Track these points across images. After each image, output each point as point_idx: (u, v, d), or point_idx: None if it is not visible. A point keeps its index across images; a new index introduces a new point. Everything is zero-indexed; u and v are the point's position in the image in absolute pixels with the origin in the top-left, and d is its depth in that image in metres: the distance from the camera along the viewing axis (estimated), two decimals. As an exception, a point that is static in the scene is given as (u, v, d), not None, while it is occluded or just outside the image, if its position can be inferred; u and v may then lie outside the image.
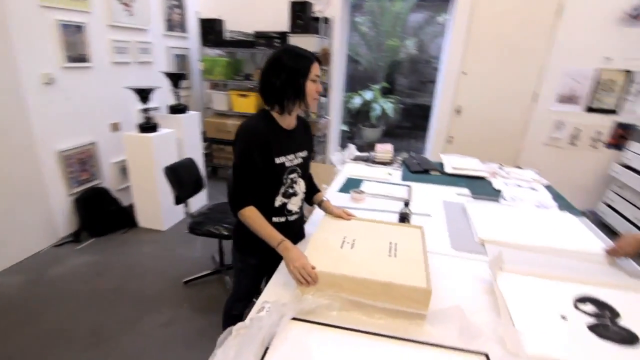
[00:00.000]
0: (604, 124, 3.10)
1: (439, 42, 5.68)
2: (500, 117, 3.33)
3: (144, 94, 2.70)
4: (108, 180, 3.00)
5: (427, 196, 1.86)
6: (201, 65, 3.84)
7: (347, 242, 1.16)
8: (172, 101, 3.13)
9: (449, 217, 1.63)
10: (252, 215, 1.18)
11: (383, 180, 2.08)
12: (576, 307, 1.06)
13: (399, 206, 1.69)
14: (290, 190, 1.28)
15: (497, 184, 2.06)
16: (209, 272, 2.31)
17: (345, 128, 4.82)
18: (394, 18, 5.09)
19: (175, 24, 3.67)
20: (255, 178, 1.19)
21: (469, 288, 1.13)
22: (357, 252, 1.10)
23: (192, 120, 3.19)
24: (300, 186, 1.33)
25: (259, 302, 1.01)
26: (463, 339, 0.90)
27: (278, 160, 1.20)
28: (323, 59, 3.36)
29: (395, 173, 2.23)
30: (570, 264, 1.29)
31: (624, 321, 1.00)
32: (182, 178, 2.09)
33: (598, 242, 1.41)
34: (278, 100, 1.18)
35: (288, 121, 1.26)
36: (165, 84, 3.08)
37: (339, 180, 2.05)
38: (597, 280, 1.18)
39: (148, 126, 2.77)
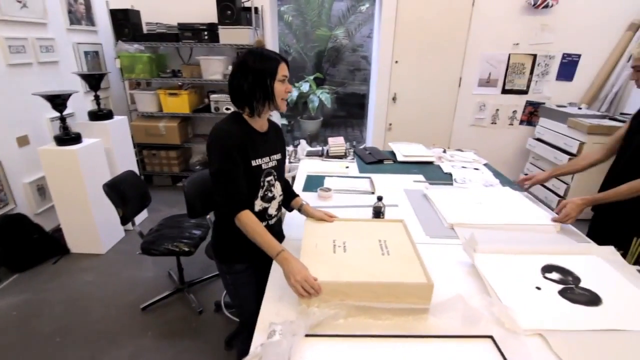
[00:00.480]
0: (518, 103, 3.51)
1: (363, 31, 5.86)
2: (432, 102, 3.57)
3: (58, 101, 2.32)
4: (23, 204, 2.55)
5: (387, 186, 1.92)
6: (118, 63, 3.42)
7: (338, 245, 1.15)
8: (89, 106, 2.75)
9: (414, 205, 1.71)
10: (249, 221, 1.13)
11: (343, 174, 2.10)
12: (544, 276, 1.19)
13: (367, 199, 1.74)
14: (269, 194, 1.26)
15: (446, 167, 2.21)
16: (168, 292, 2.12)
17: (284, 122, 4.75)
18: (319, 7, 5.10)
19: (80, 16, 3.20)
20: (242, 179, 1.15)
21: (452, 272, 1.20)
22: (351, 255, 1.10)
23: (120, 126, 2.85)
24: (277, 189, 1.31)
25: (265, 326, 0.95)
26: (466, 325, 0.95)
27: (254, 163, 1.18)
28: (259, 52, 3.23)
29: (351, 166, 2.26)
30: (528, 237, 1.45)
31: (584, 283, 1.16)
32: (126, 194, 1.86)
33: (544, 213, 1.60)
34: (248, 103, 1.15)
35: (260, 123, 1.24)
36: (78, 85, 2.69)
37: (299, 179, 2.02)
38: (554, 250, 1.33)
39: (68, 137, 2.40)
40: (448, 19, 3.28)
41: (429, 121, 3.63)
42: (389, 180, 2.02)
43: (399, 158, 2.34)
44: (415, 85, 3.51)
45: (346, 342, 0.90)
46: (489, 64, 3.40)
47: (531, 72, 3.38)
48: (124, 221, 1.84)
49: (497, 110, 3.54)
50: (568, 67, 3.35)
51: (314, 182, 1.95)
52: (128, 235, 2.71)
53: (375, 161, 2.32)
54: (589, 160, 1.66)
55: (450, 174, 2.11)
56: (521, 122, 3.57)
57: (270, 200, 1.27)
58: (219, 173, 1.13)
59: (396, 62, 3.45)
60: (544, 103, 3.45)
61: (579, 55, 3.30)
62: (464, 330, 0.94)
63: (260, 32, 3.46)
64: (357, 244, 1.15)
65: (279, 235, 1.38)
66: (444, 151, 2.52)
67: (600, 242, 1.39)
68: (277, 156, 1.30)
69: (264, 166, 1.21)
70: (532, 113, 3.51)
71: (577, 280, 1.17)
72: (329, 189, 1.79)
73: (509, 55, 3.35)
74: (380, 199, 1.48)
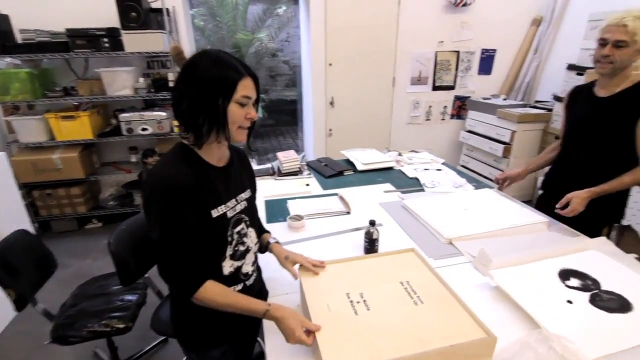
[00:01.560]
0: (447, 99, 3.63)
1: (281, 35, 5.63)
2: (369, 104, 3.49)
3: None
4: None
5: (359, 201, 1.70)
6: (-16, 83, 2.64)
7: (355, 301, 0.88)
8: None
9: (398, 220, 1.52)
10: (214, 293, 0.83)
11: (305, 194, 1.83)
12: (566, 285, 1.09)
13: (345, 222, 1.50)
14: (241, 248, 0.93)
15: (409, 171, 2.09)
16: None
17: None
18: (233, 9, 4.72)
19: None
20: (198, 244, 0.82)
21: (475, 300, 1.01)
22: (378, 313, 0.84)
23: (-4, 166, 2.15)
24: (252, 238, 0.99)
25: None
26: (540, 378, 0.77)
27: (216, 213, 0.85)
28: (177, 59, 2.76)
29: (311, 182, 2.00)
30: (526, 240, 1.35)
31: (605, 285, 1.08)
32: (17, 267, 1.32)
33: (527, 211, 1.54)
34: (190, 127, 0.82)
35: (218, 154, 0.90)
36: None
37: (258, 208, 1.69)
38: (562, 251, 1.24)
39: None
40: (377, 18, 3.22)
41: (368, 123, 3.55)
42: (358, 194, 1.81)
43: (359, 167, 2.15)
44: (351, 87, 3.39)
45: None
46: (419, 63, 3.44)
47: (456, 68, 3.52)
48: (19, 305, 1.30)
49: (430, 106, 3.62)
50: (487, 62, 3.56)
51: (276, 209, 1.64)
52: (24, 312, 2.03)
53: (336, 173, 2.09)
54: (558, 151, 1.65)
55: (417, 179, 1.99)
56: (452, 117, 3.70)
57: (243, 255, 0.95)
58: (164, 241, 0.78)
59: (330, 64, 3.28)
60: (469, 97, 3.61)
61: (494, 50, 3.52)
62: (539, 385, 0.75)
63: (176, 37, 2.99)
64: (378, 294, 0.90)
65: (261, 294, 1.05)
66: (400, 154, 2.41)
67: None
68: (246, 194, 0.98)
69: (229, 214, 0.89)
70: (461, 107, 3.66)
71: (597, 283, 1.09)
72: (300, 217, 1.50)
73: (436, 53, 3.43)
74: (373, 223, 1.25)
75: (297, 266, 1.02)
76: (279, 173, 2.10)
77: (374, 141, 3.58)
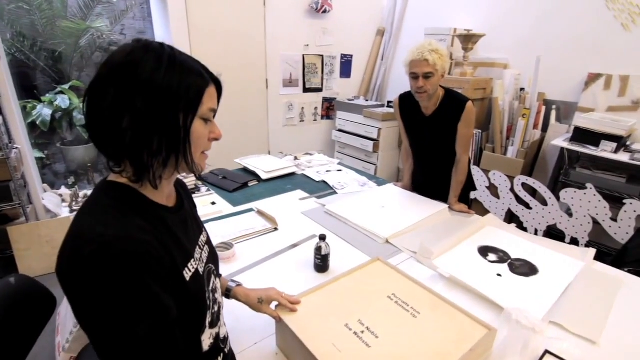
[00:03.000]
0: (317, 100, 3.79)
1: (116, 28, 4.75)
2: (245, 107, 3.31)
3: None
4: None
5: (280, 213, 1.58)
6: None
7: (360, 332, 0.79)
8: None
9: (329, 228, 1.49)
10: None
11: (216, 215, 1.59)
12: (488, 260, 1.29)
13: (276, 241, 1.38)
14: (216, 309, 0.73)
15: (314, 175, 2.08)
16: None
17: (38, 154, 3.17)
18: (45, -8, 3.67)
19: None
20: (174, 332, 0.57)
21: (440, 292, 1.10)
22: (389, 339, 0.78)
23: None
24: (219, 291, 0.79)
25: None
26: (524, 350, 0.86)
27: (189, 274, 0.62)
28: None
29: (216, 199, 1.75)
30: (440, 226, 1.53)
31: (513, 254, 1.32)
32: None
33: (430, 201, 1.75)
34: (134, 156, 0.56)
35: (167, 191, 0.66)
36: None
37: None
38: (470, 231, 1.46)
39: None
40: (243, 17, 3.07)
41: (246, 127, 3.37)
42: (274, 206, 1.69)
43: (263, 176, 2.01)
44: (224, 90, 3.12)
45: None
46: (288, 65, 3.46)
47: (322, 71, 3.70)
48: None
49: (303, 108, 3.70)
50: (346, 66, 3.87)
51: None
52: None
53: (240, 186, 1.90)
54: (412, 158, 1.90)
55: (325, 182, 2.00)
56: (322, 117, 3.89)
57: (218, 316, 0.73)
58: (135, 345, 0.52)
59: (197, 64, 2.94)
60: (335, 98, 3.87)
61: (352, 56, 3.87)
62: (527, 356, 0.85)
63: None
64: (376, 316, 0.84)
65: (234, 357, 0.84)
66: (296, 158, 2.38)
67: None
68: (204, 236, 0.77)
69: (201, 269, 0.67)
70: (329, 108, 3.89)
71: (507, 254, 1.33)
72: (229, 245, 1.29)
73: (303, 56, 3.52)
74: (323, 238, 1.17)
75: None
76: (172, 194, 1.76)
77: (253, 145, 3.45)
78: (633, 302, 1.09)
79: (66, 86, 3.53)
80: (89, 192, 1.83)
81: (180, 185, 0.77)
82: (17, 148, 2.29)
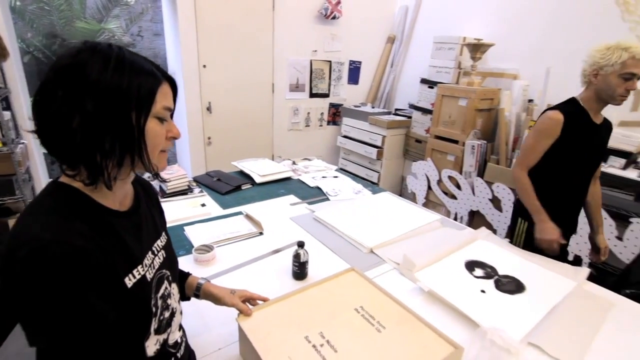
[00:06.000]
0: (323, 106, 3.79)
1: (133, 29, 4.88)
2: (249, 110, 3.34)
3: None
4: None
5: (268, 218, 1.58)
6: None
7: (319, 344, 0.77)
8: None
9: (315, 235, 1.47)
10: None
11: (204, 216, 1.59)
12: (474, 275, 1.24)
13: (259, 245, 1.37)
14: (166, 315, 0.70)
15: (309, 181, 2.06)
16: None
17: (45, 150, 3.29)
18: (65, -7, 3.81)
19: None
20: (112, 337, 0.56)
21: (416, 306, 1.04)
22: (347, 355, 0.75)
23: None
24: (175, 296, 0.76)
25: None
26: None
27: (132, 281, 0.60)
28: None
29: (207, 201, 1.76)
30: (429, 238, 1.49)
31: (501, 270, 1.27)
32: None
33: (422, 211, 1.71)
34: (85, 157, 0.55)
35: (120, 194, 0.65)
36: None
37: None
38: (459, 245, 1.41)
39: None
40: (252, 21, 3.10)
41: (249, 130, 3.39)
42: (264, 210, 1.68)
43: (257, 180, 2.01)
44: (229, 92, 3.17)
45: None
46: (295, 70, 3.47)
47: (329, 77, 3.70)
48: None
49: (309, 113, 3.71)
50: (354, 72, 3.87)
51: (173, 240, 1.35)
52: None
53: (233, 188, 1.90)
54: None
55: (319, 188, 1.98)
56: (328, 123, 3.89)
57: (169, 323, 0.71)
58: (61, 346, 0.52)
59: (204, 66, 2.99)
60: (342, 104, 3.86)
61: (360, 62, 3.86)
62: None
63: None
64: (338, 329, 0.82)
65: (191, 360, 0.83)
66: (294, 163, 2.37)
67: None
68: (162, 241, 0.75)
69: (149, 275, 0.65)
70: (335, 114, 3.88)
71: (494, 270, 1.28)
72: (209, 248, 1.28)
73: (311, 61, 3.53)
74: (301, 245, 1.16)
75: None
76: (163, 194, 1.78)
77: (256, 148, 3.46)
78: (622, 327, 1.03)
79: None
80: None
81: (141, 187, 0.76)
82: (23, 143, 2.36)
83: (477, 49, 2.81)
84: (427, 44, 3.26)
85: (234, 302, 0.85)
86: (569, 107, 1.47)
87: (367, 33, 3.75)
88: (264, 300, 0.90)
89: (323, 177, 2.15)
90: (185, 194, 1.82)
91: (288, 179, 2.11)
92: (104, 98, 0.54)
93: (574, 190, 1.59)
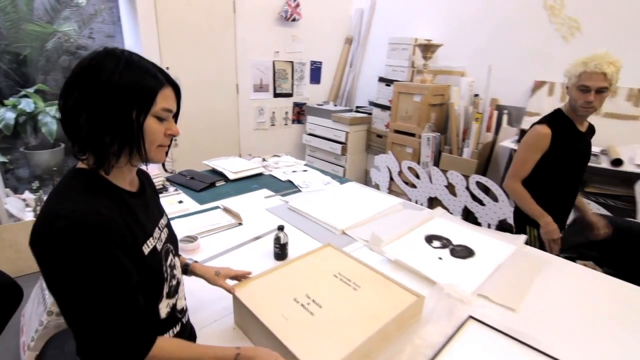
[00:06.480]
0: (287, 105, 3.90)
1: (85, 31, 4.70)
2: (215, 111, 3.38)
3: None
4: None
5: (245, 210, 1.67)
6: None
7: (305, 304, 0.90)
8: None
9: (291, 222, 1.59)
10: (170, 352, 0.68)
11: (182, 212, 1.66)
12: (432, 246, 1.42)
13: (239, 234, 1.47)
14: (174, 282, 0.81)
15: (280, 175, 2.18)
16: None
17: (0, 159, 3.08)
18: (9, -6, 3.60)
19: None
20: (137, 294, 0.67)
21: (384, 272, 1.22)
22: (331, 308, 0.89)
23: None
24: (179, 268, 0.88)
25: None
26: (450, 316, 0.99)
27: (147, 249, 0.71)
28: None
29: (183, 198, 1.82)
30: (393, 218, 1.67)
31: (455, 241, 1.47)
32: None
33: (385, 196, 1.88)
34: (92, 146, 0.65)
35: (129, 178, 0.76)
36: None
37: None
38: (418, 223, 1.60)
39: None
40: (213, 23, 3.15)
41: (216, 130, 3.43)
42: (240, 203, 1.77)
43: (230, 176, 2.09)
44: (194, 94, 3.19)
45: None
46: (259, 70, 3.56)
47: (292, 77, 3.82)
48: None
49: (274, 112, 3.81)
50: (316, 72, 4.02)
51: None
52: None
53: (207, 185, 1.97)
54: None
55: (290, 181, 2.10)
56: (293, 121, 4.01)
57: (176, 289, 0.82)
58: (102, 302, 0.60)
59: (167, 68, 2.99)
60: (305, 103, 4.00)
61: (321, 63, 4.02)
62: (453, 320, 0.98)
63: None
64: (321, 291, 0.95)
65: (192, 331, 0.92)
66: (264, 159, 2.47)
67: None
68: (165, 220, 0.86)
69: (159, 246, 0.76)
70: (299, 112, 4.01)
71: (449, 241, 1.47)
72: (194, 237, 1.37)
73: (273, 62, 3.63)
74: (281, 228, 1.27)
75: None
76: (139, 193, 1.81)
77: (223, 148, 3.51)
78: (552, 279, 1.25)
79: (31, 90, 3.47)
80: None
81: (144, 176, 0.86)
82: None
83: (428, 49, 3.06)
84: (382, 44, 3.48)
85: (218, 283, 0.97)
86: (555, 119, 1.55)
87: (326, 34, 3.92)
88: (248, 274, 1.01)
89: (293, 171, 2.27)
90: (161, 192, 1.87)
91: (260, 174, 2.21)
92: (111, 96, 0.63)
93: (565, 194, 1.69)
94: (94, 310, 0.59)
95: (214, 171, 2.20)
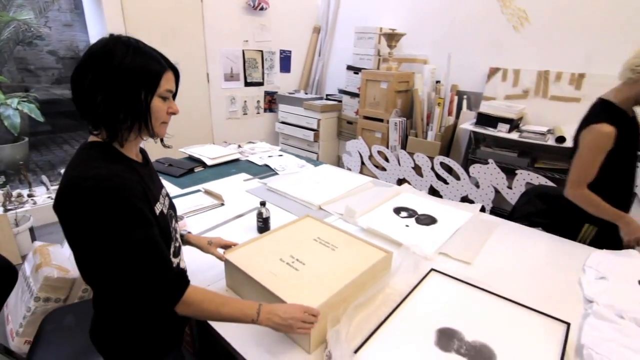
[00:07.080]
0: (259, 94, 3.95)
1: (42, 19, 4.48)
2: (186, 101, 3.37)
3: None
4: None
5: (226, 192, 1.76)
6: None
7: (290, 262, 1.02)
8: None
9: (270, 201, 1.70)
10: (202, 299, 0.79)
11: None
12: (400, 216, 1.59)
13: (222, 213, 1.57)
14: (177, 244, 0.93)
15: (257, 160, 2.27)
16: None
17: None
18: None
19: None
20: (163, 244, 0.78)
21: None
22: (313, 265, 1.02)
23: None
24: (179, 233, 1.00)
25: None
26: (417, 269, 1.15)
27: (157, 211, 0.82)
28: None
29: (165, 184, 1.86)
30: (366, 194, 1.81)
31: (420, 211, 1.63)
32: None
33: (357, 176, 2.03)
34: (107, 123, 0.75)
35: (135, 151, 0.87)
36: None
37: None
38: (387, 197, 1.75)
39: None
40: (181, 12, 3.13)
41: (187, 120, 3.43)
42: (220, 186, 1.86)
43: (208, 162, 2.16)
44: (164, 84, 3.17)
45: (382, 332, 0.92)
46: (229, 60, 3.58)
47: (262, 66, 3.87)
48: None
49: (245, 101, 3.85)
50: (285, 61, 4.08)
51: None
52: None
53: (187, 171, 2.03)
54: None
55: (267, 165, 2.20)
56: (265, 110, 4.06)
57: (179, 251, 0.93)
58: (134, 249, 0.70)
59: (136, 58, 2.97)
60: (277, 92, 4.07)
61: (290, 51, 4.08)
62: (417, 273, 1.14)
63: None
64: (304, 252, 1.07)
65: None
66: (239, 146, 2.55)
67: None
68: (164, 190, 0.97)
69: (165, 210, 0.87)
70: (271, 101, 4.07)
71: (415, 212, 1.64)
72: (180, 217, 1.44)
73: (243, 51, 3.66)
74: (263, 204, 1.38)
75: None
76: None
77: (196, 138, 3.51)
78: (502, 238, 1.45)
79: (-12, 81, 3.30)
80: (24, 191, 1.97)
81: (144, 152, 0.95)
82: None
83: (392, 38, 3.22)
84: (349, 33, 3.60)
85: (210, 251, 1.09)
86: (613, 114, 1.45)
87: (294, 23, 3.98)
88: (235, 244, 1.11)
89: (269, 156, 2.37)
90: (140, 179, 1.91)
91: (237, 160, 2.29)
92: (122, 79, 0.72)
93: (631, 186, 1.60)
94: (128, 258, 0.69)
95: (191, 158, 2.26)
